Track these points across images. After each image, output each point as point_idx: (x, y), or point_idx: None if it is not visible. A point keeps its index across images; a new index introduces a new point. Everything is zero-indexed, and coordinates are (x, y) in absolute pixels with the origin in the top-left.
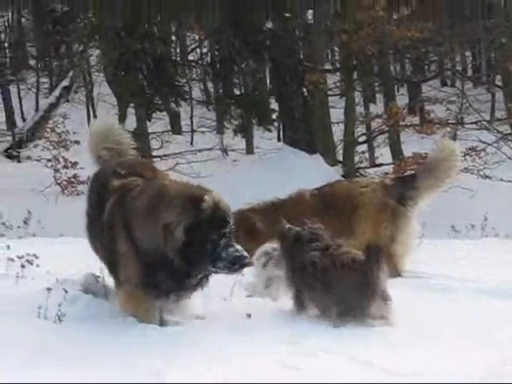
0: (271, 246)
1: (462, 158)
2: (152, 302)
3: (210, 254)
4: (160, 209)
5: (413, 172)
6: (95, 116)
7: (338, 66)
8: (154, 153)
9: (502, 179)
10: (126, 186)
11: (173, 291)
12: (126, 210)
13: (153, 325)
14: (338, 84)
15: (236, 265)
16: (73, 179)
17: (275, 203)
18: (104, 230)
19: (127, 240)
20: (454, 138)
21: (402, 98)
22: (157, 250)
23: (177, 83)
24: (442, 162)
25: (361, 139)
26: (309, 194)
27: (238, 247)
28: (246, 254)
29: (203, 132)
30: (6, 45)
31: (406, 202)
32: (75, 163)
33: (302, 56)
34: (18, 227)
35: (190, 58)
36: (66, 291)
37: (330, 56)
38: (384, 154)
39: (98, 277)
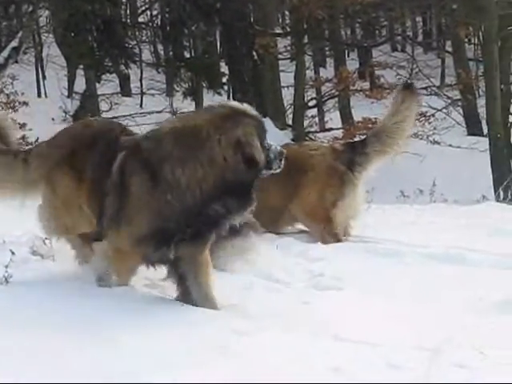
0: None
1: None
2: (137, 266)
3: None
4: (210, 137)
5: (363, 138)
6: (44, 77)
7: (288, 29)
8: (103, 115)
9: (450, 145)
10: (135, 140)
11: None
12: (148, 159)
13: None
14: (289, 48)
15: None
16: (21, 140)
17: None
18: (112, 187)
19: (148, 190)
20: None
21: (352, 63)
22: (210, 186)
23: (127, 45)
24: (391, 128)
25: (311, 103)
26: None
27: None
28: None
29: (153, 94)
30: None
31: (354, 167)
32: (24, 124)
33: (252, 19)
34: None
35: (140, 19)
36: (13, 253)
37: (280, 20)
38: (334, 118)
39: (46, 239)
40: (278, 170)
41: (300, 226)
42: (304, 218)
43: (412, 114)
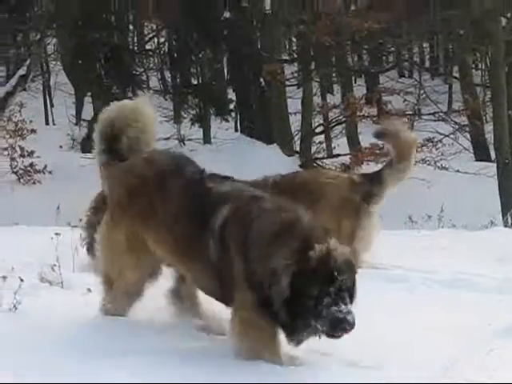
0: None
1: (419, 149)
2: (274, 328)
3: (311, 311)
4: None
5: (378, 169)
6: (52, 105)
7: (295, 56)
8: None
9: (458, 170)
10: (242, 197)
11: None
12: (246, 231)
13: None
14: (296, 74)
15: (335, 328)
16: (29, 168)
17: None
18: (213, 242)
19: (244, 263)
20: (411, 129)
21: (359, 89)
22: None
23: (134, 72)
24: (403, 154)
25: (318, 130)
26: (272, 180)
27: (344, 308)
28: (350, 317)
29: (160, 121)
30: None
31: (371, 198)
32: (32, 152)
33: (259, 46)
34: None
35: (148, 47)
36: (22, 279)
37: (287, 46)
38: (341, 144)
39: (54, 265)
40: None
41: None
42: None
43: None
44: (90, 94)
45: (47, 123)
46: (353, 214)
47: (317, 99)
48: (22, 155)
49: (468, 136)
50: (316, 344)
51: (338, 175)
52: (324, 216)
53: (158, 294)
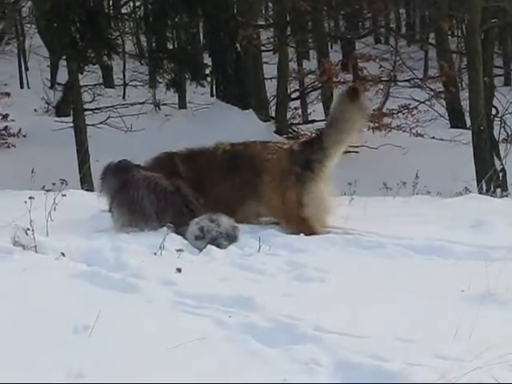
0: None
1: (395, 116)
2: None
3: None
4: None
5: (318, 132)
6: (26, 68)
7: (271, 21)
8: (86, 106)
9: (433, 137)
10: None
11: None
12: None
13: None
14: (272, 40)
15: None
16: (3, 132)
17: (194, 150)
18: None
19: None
20: (387, 95)
21: (335, 55)
22: None
23: (109, 36)
24: (344, 113)
25: (294, 95)
26: (222, 149)
27: None
28: None
29: (135, 86)
30: None
31: (312, 165)
32: (6, 116)
33: (235, 11)
34: None
35: (123, 11)
36: None
37: (263, 11)
38: (317, 110)
39: (28, 229)
40: None
41: (266, 219)
42: (279, 221)
43: (350, 117)
44: (65, 57)
45: (22, 87)
46: (295, 183)
47: (293, 65)
48: None
49: (443, 103)
50: (283, 308)
51: (279, 148)
52: (268, 190)
53: None
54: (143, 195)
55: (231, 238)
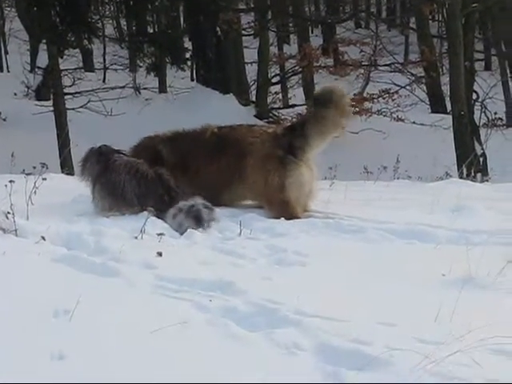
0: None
1: (375, 100)
2: None
3: None
4: None
5: (302, 119)
6: (6, 52)
7: (252, 5)
8: (66, 90)
9: (414, 122)
10: None
11: None
12: None
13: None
14: (252, 24)
15: None
16: None
17: (179, 132)
18: None
19: None
20: (367, 80)
21: (316, 40)
22: None
23: (90, 20)
24: (329, 111)
25: (274, 80)
26: (210, 131)
27: None
28: None
29: (116, 70)
30: None
31: (294, 150)
32: None
33: None
34: None
35: None
36: None
37: None
38: (297, 94)
39: (8, 213)
40: None
41: (250, 202)
42: (262, 204)
43: (342, 103)
44: (45, 41)
45: (1, 70)
46: (278, 166)
47: (273, 49)
48: None
49: (424, 87)
50: (263, 293)
51: (263, 132)
52: (251, 173)
53: None
54: (124, 180)
55: (209, 208)
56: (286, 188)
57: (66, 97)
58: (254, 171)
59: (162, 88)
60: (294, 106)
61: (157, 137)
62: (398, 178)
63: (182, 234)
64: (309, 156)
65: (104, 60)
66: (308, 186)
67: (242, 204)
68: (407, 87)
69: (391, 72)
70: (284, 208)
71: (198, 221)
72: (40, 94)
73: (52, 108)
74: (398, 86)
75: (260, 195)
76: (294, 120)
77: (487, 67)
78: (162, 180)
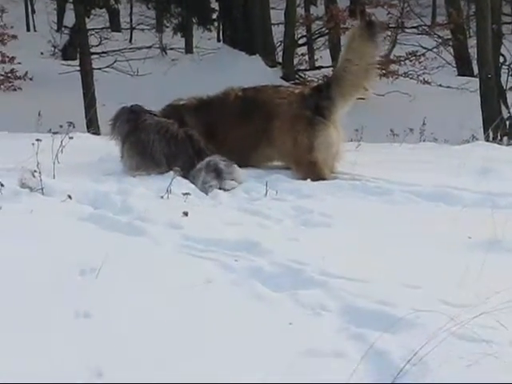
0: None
1: (402, 63)
2: None
3: None
4: None
5: (328, 79)
6: (33, 11)
7: None
8: (93, 50)
9: (441, 85)
10: None
11: None
12: None
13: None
14: None
15: None
16: (10, 74)
17: (204, 100)
18: None
19: None
20: (394, 42)
21: (343, 1)
22: None
23: None
24: (348, 70)
25: (301, 41)
26: (234, 95)
27: None
28: None
29: (142, 30)
30: None
31: (321, 111)
32: (13, 58)
33: None
34: None
35: None
36: (3, 185)
37: None
38: (324, 56)
39: (35, 171)
40: None
41: (278, 164)
42: (289, 165)
43: (367, 52)
44: (71, 0)
45: (28, 30)
46: (306, 127)
47: (300, 10)
48: (2, 61)
49: (451, 50)
50: (291, 253)
51: (290, 93)
52: (280, 134)
53: None
54: (154, 140)
55: (227, 162)
56: (314, 148)
57: (92, 56)
58: (283, 132)
59: (189, 48)
60: (320, 67)
61: (181, 106)
62: (424, 141)
63: (207, 193)
64: (335, 117)
65: (131, 20)
66: (335, 147)
67: (268, 165)
68: (434, 50)
69: (418, 34)
70: (311, 169)
71: (218, 173)
72: (67, 53)
73: (78, 68)
74: (425, 48)
75: (288, 156)
76: (320, 81)
77: None
78: (193, 141)
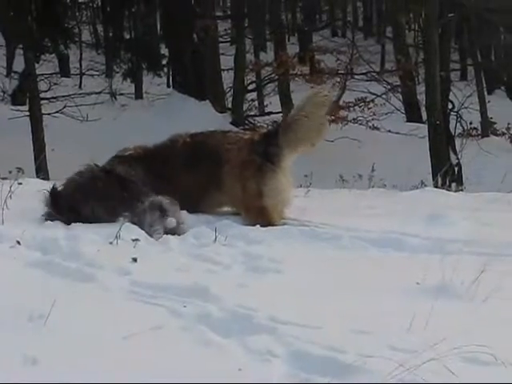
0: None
1: (351, 109)
2: None
3: None
4: None
5: (277, 126)
6: None
7: (228, 12)
8: (42, 95)
9: (390, 131)
10: None
11: None
12: None
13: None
14: (229, 31)
15: None
16: None
17: (150, 149)
18: None
19: None
20: (344, 88)
21: (292, 47)
22: None
23: (66, 25)
24: (305, 121)
25: (250, 87)
26: (181, 141)
27: None
28: None
29: (92, 75)
30: None
31: (270, 157)
32: None
33: (193, 1)
34: None
35: (81, 0)
36: None
37: (221, 3)
38: (273, 102)
39: None
40: None
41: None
42: (239, 210)
43: (318, 113)
44: (21, 45)
45: None
46: (255, 173)
47: (250, 56)
48: None
49: (400, 96)
50: (241, 300)
51: (239, 138)
52: (229, 180)
53: None
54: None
55: (171, 202)
56: (263, 194)
57: (42, 102)
58: (232, 178)
59: (139, 94)
60: (270, 113)
61: (128, 156)
62: (373, 187)
63: (155, 238)
64: (284, 163)
65: (80, 65)
66: (285, 193)
67: (219, 211)
68: (383, 96)
69: (367, 81)
70: (261, 214)
71: (162, 212)
72: (16, 98)
73: (28, 113)
74: (374, 94)
75: (237, 202)
76: (270, 127)
77: (463, 77)
78: (121, 181)
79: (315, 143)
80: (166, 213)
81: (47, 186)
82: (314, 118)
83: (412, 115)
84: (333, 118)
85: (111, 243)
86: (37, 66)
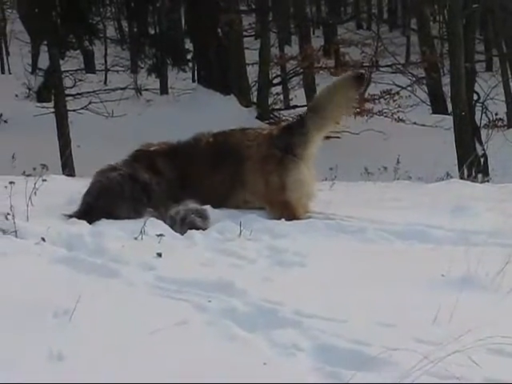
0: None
1: (377, 101)
2: None
3: None
4: None
5: (300, 117)
6: (8, 53)
7: (253, 6)
8: (67, 91)
9: (415, 123)
10: None
11: None
12: None
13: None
14: (254, 25)
15: None
16: None
17: (175, 146)
18: None
19: None
20: (369, 81)
21: (317, 40)
22: None
23: (91, 21)
24: (329, 100)
25: (275, 81)
26: (205, 141)
27: None
28: None
29: (117, 71)
30: None
31: (293, 149)
32: None
33: None
34: None
35: None
36: None
37: None
38: (298, 95)
39: (8, 214)
40: None
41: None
42: (263, 205)
43: (349, 97)
44: (46, 42)
45: (3, 72)
46: (277, 167)
47: (274, 50)
48: None
49: (425, 88)
50: (267, 293)
51: (258, 134)
52: (251, 176)
53: None
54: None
55: (203, 216)
56: (286, 188)
57: (67, 98)
58: (254, 174)
59: (164, 89)
60: (295, 106)
61: (152, 151)
62: (398, 179)
63: (182, 234)
64: (308, 155)
65: (105, 61)
66: (308, 185)
67: (246, 208)
68: (408, 88)
69: (392, 73)
70: (285, 208)
71: (193, 225)
72: (41, 95)
73: (53, 109)
74: (399, 86)
75: (261, 197)
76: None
77: (488, 68)
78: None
79: (339, 121)
80: (196, 225)
81: (72, 182)
82: (342, 93)
83: (437, 107)
84: (358, 110)
85: (136, 239)
86: (62, 62)
